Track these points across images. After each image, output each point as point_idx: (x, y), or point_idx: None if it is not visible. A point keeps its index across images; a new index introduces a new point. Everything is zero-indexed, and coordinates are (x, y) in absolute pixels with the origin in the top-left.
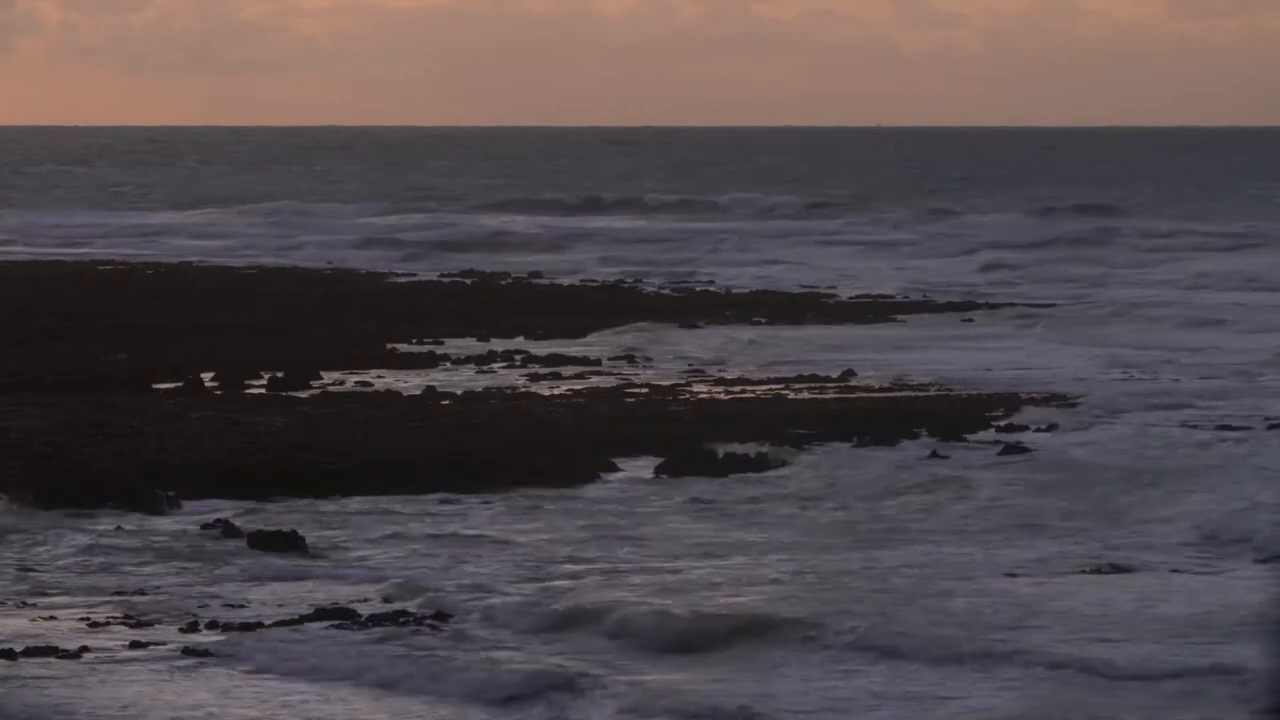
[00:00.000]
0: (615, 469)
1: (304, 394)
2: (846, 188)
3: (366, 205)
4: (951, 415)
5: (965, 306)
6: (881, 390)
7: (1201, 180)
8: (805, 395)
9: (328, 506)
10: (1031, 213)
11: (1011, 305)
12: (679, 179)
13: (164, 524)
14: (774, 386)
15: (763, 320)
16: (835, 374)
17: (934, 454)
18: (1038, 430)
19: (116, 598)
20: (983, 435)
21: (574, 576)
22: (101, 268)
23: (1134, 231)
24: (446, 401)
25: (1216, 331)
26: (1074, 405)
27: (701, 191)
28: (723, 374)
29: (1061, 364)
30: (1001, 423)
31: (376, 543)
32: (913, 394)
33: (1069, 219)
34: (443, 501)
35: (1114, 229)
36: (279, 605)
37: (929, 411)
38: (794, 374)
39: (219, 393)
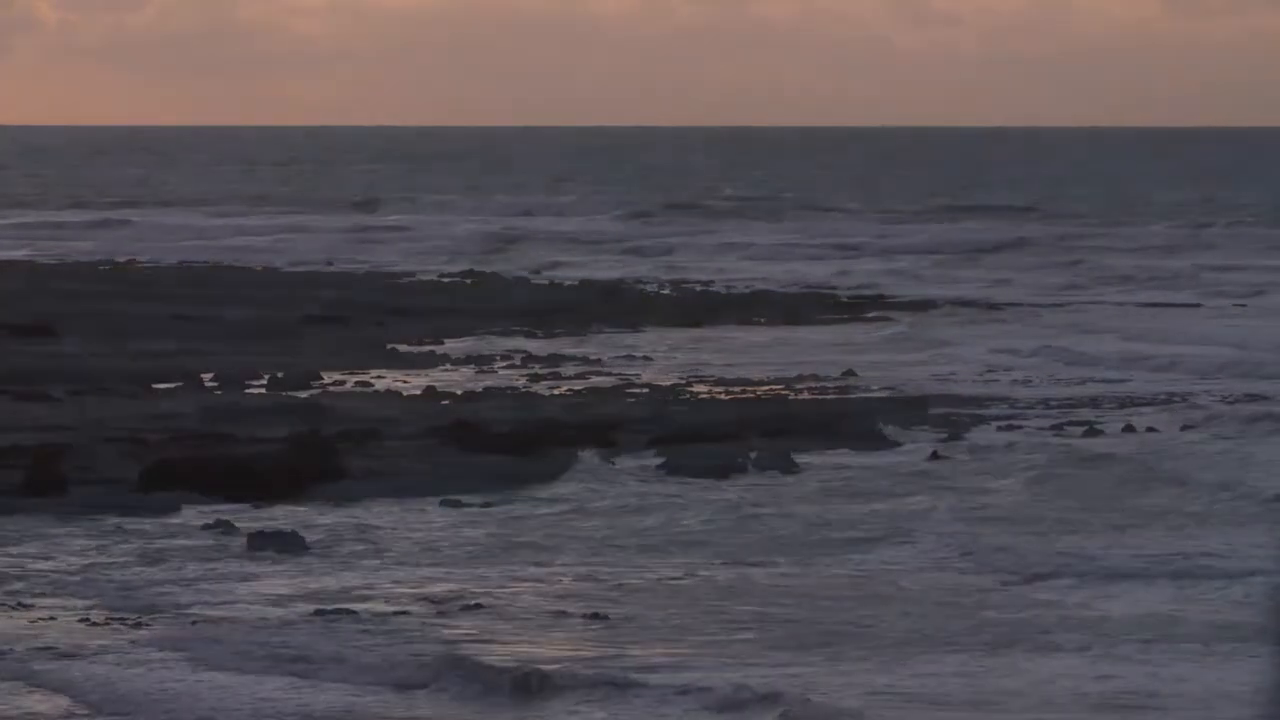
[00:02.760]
0: (613, 467)
1: (304, 394)
2: (787, 188)
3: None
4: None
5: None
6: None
7: (1171, 182)
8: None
9: (328, 506)
10: (959, 215)
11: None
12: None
13: (164, 524)
14: (774, 387)
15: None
16: (836, 374)
17: (934, 455)
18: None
19: (116, 598)
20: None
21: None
22: (101, 268)
23: (1048, 237)
24: (446, 402)
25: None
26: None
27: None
28: (723, 374)
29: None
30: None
31: (374, 544)
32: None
33: (999, 221)
34: (443, 503)
35: (1035, 234)
36: (273, 606)
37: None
38: (794, 374)
39: (219, 393)
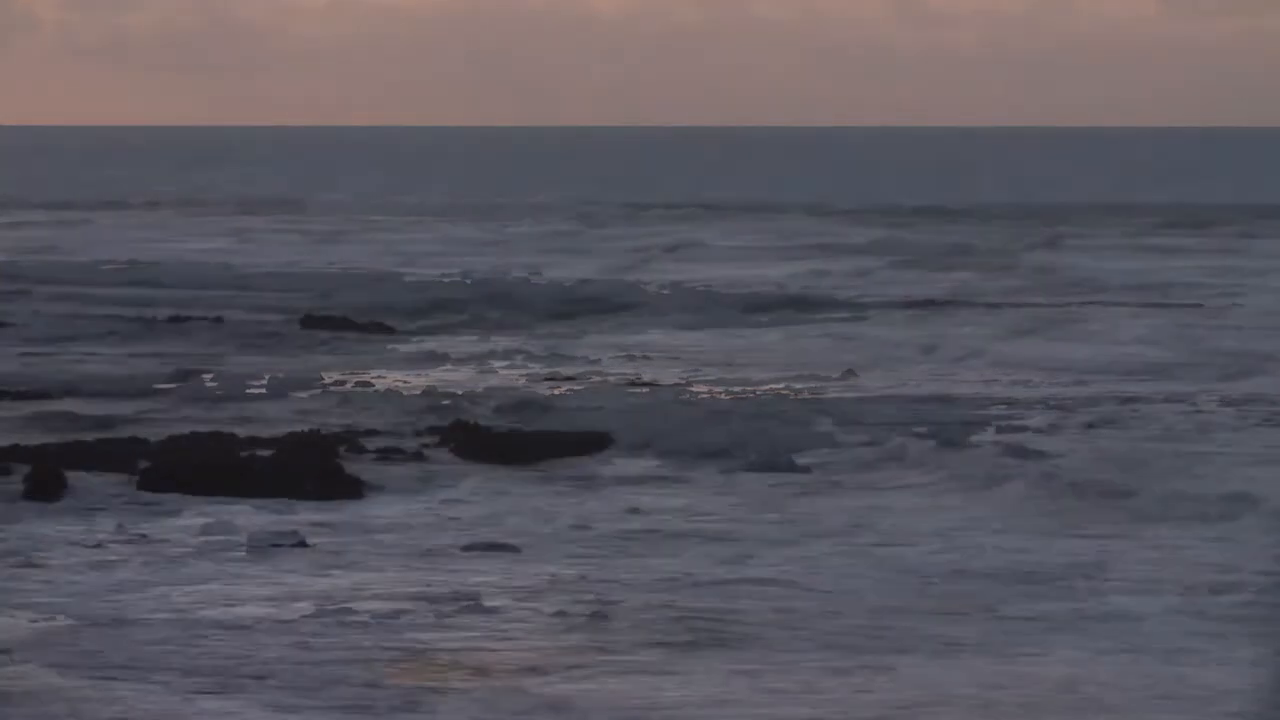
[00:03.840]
0: (613, 466)
1: (304, 394)
2: (769, 189)
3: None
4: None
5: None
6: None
7: (1159, 183)
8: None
9: (329, 506)
10: (934, 217)
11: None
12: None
13: (164, 525)
14: (774, 387)
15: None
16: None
17: (933, 453)
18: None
19: (115, 598)
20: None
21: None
22: (103, 267)
23: (1022, 238)
24: (447, 402)
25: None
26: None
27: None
28: (724, 374)
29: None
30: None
31: (375, 543)
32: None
33: (973, 223)
34: (443, 502)
35: (1006, 235)
36: (272, 606)
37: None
38: (794, 374)
39: (219, 393)
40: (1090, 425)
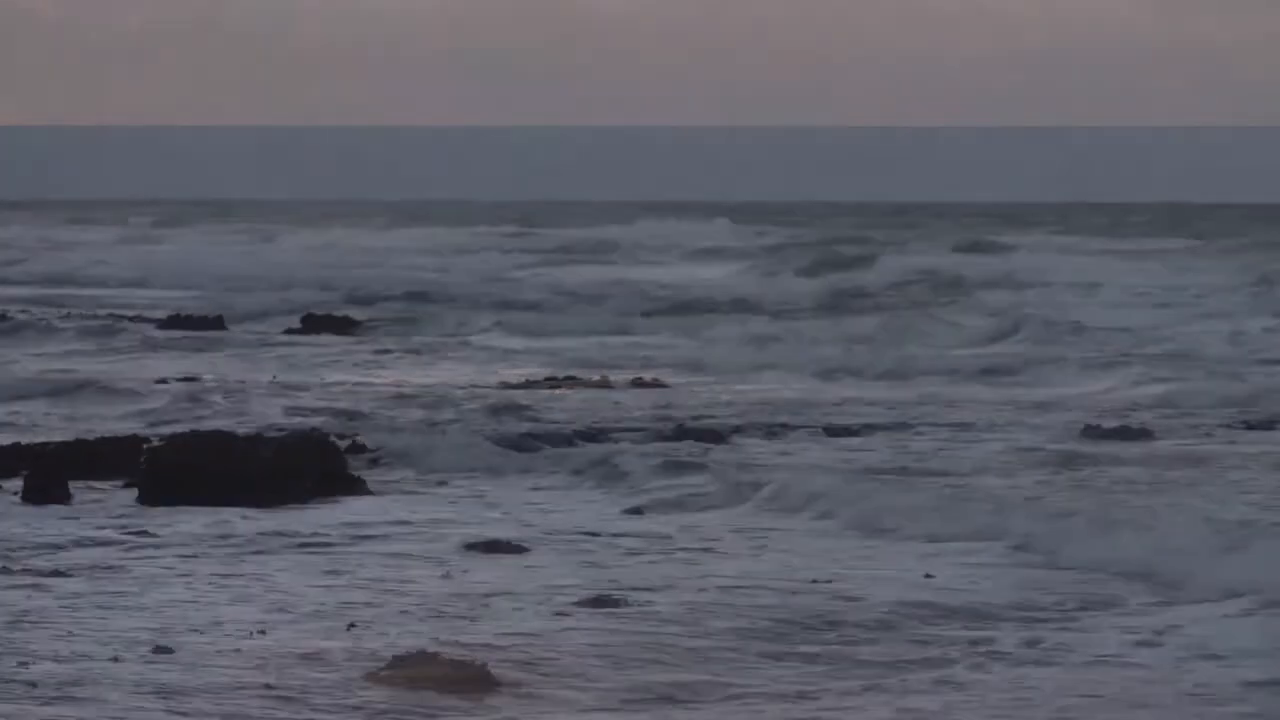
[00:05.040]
0: (616, 465)
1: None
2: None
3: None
4: None
5: None
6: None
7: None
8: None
9: (329, 507)
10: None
11: None
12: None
13: (164, 525)
14: (772, 386)
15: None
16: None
17: (939, 448)
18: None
19: (113, 599)
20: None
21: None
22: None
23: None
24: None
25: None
26: None
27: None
28: (723, 374)
29: None
30: None
31: (376, 545)
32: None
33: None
34: (445, 502)
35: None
36: (271, 608)
37: None
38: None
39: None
40: (1093, 428)
